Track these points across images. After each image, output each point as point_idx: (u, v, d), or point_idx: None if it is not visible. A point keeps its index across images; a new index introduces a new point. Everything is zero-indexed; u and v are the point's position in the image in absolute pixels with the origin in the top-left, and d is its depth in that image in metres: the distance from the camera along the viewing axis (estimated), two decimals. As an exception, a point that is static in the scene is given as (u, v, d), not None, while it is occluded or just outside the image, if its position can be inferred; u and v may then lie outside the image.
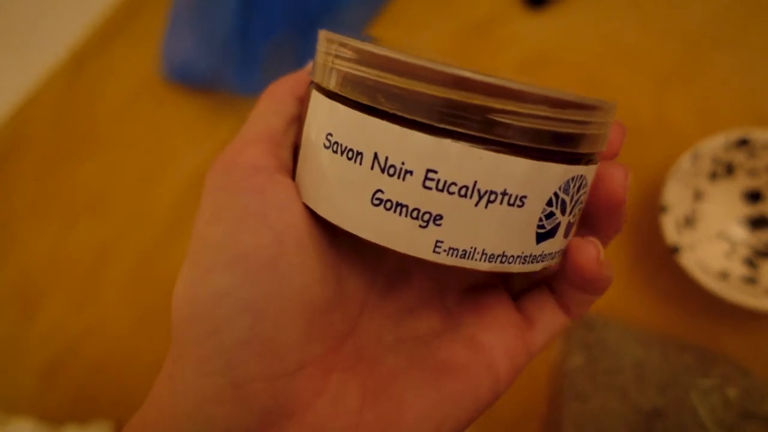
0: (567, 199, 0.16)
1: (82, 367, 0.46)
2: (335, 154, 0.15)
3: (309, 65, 0.19)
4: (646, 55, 0.46)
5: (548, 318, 0.19)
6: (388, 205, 0.15)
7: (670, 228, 0.37)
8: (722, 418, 0.34)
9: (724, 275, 0.38)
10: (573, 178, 0.15)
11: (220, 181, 0.16)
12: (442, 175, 0.14)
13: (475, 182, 0.14)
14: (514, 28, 0.48)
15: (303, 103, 0.18)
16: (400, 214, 0.15)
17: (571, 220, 0.17)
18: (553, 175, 0.15)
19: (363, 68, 0.15)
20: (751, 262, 0.38)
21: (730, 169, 0.39)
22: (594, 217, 0.18)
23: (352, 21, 0.48)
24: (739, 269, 0.38)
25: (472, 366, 0.18)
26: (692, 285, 0.36)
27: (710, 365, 0.36)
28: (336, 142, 0.15)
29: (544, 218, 0.15)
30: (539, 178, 0.15)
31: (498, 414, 0.40)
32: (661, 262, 0.40)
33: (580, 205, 0.17)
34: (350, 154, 0.15)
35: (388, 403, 0.16)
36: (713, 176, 0.39)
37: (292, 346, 0.15)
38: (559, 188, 0.15)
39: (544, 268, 0.17)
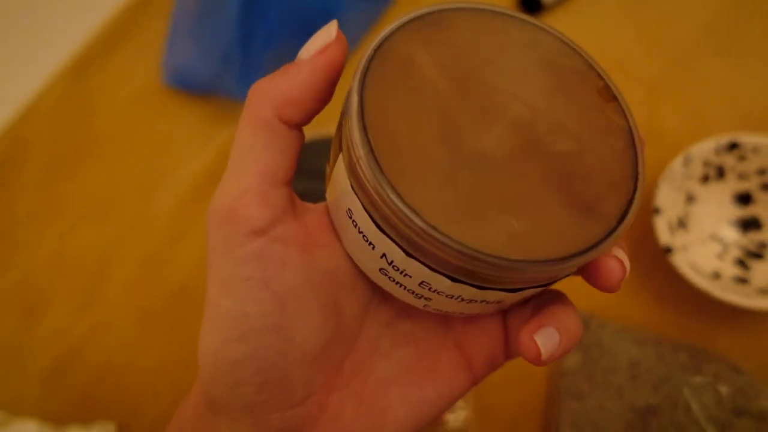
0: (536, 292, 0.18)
1: (85, 370, 0.47)
2: (354, 227, 0.17)
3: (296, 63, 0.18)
4: (639, 61, 0.47)
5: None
6: (391, 279, 0.17)
7: (663, 230, 0.38)
8: (715, 415, 0.35)
9: (716, 275, 0.38)
10: (544, 291, 0.18)
11: (221, 246, 0.17)
12: (435, 287, 0.16)
13: (461, 295, 0.17)
14: (509, 35, 0.49)
15: (292, 124, 0.18)
16: (400, 286, 0.17)
17: None
18: (526, 294, 0.17)
19: (380, 201, 0.15)
20: (742, 263, 0.39)
21: (721, 173, 0.40)
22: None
23: (351, 31, 0.49)
24: (730, 270, 0.39)
25: (454, 372, 0.20)
26: (685, 285, 0.37)
27: (703, 363, 0.37)
28: (355, 221, 0.17)
29: (512, 305, 0.19)
30: (511, 297, 0.17)
31: (496, 413, 0.41)
32: (654, 263, 0.41)
33: None
34: (365, 238, 0.17)
35: (376, 408, 0.19)
36: (705, 179, 0.40)
37: (298, 386, 0.18)
38: (530, 295, 0.18)
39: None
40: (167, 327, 0.47)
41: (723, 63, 0.45)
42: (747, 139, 0.38)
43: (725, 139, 0.38)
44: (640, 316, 0.41)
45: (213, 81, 0.49)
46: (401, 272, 0.16)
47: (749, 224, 0.40)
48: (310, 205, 0.19)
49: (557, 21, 0.49)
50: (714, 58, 0.45)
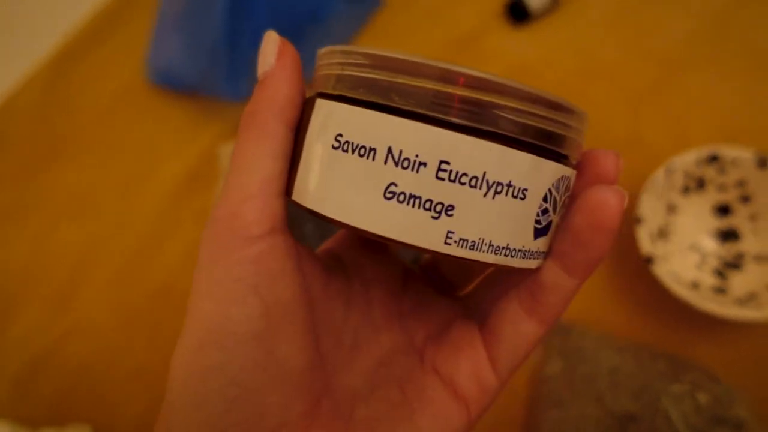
0: (558, 197, 0.17)
1: (61, 372, 0.46)
2: (345, 153, 0.16)
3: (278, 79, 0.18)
4: (622, 72, 0.47)
5: (515, 332, 0.19)
6: (401, 197, 0.15)
7: (645, 239, 0.38)
8: (693, 423, 0.35)
9: (695, 285, 0.39)
10: (562, 178, 0.17)
11: (216, 253, 0.16)
12: (455, 166, 0.15)
13: (485, 173, 0.15)
14: (496, 43, 0.49)
15: (291, 126, 0.18)
16: (413, 206, 0.15)
17: (557, 222, 0.18)
18: (548, 171, 0.16)
19: (376, 71, 0.16)
20: (720, 273, 0.40)
21: (701, 184, 0.41)
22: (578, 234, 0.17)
23: (339, 32, 0.49)
24: (709, 280, 0.40)
25: (444, 402, 0.19)
26: (665, 294, 0.38)
27: (682, 372, 0.37)
28: (347, 141, 0.16)
29: (540, 213, 0.17)
30: (538, 173, 0.16)
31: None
32: (636, 272, 0.42)
33: (564, 209, 0.18)
34: (362, 151, 0.15)
35: None
36: (685, 190, 0.41)
37: (274, 410, 0.16)
38: (552, 185, 0.16)
39: (538, 267, 0.18)
40: (147, 329, 0.46)
41: (705, 75, 0.46)
42: (727, 152, 0.39)
43: (706, 151, 0.39)
44: (621, 324, 0.41)
45: (199, 80, 0.48)
46: (412, 165, 0.15)
47: (727, 235, 0.41)
48: None
49: (544, 30, 0.49)
50: (697, 70, 0.46)
